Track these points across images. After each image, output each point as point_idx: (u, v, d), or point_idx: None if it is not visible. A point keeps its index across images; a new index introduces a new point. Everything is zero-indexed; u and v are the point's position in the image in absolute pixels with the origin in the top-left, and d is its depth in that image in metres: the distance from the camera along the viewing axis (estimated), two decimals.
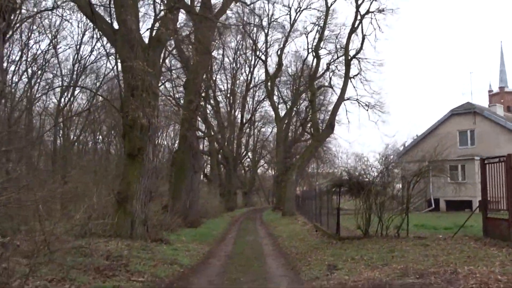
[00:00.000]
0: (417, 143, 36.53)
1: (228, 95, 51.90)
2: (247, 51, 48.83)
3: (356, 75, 31.07)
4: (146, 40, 15.01)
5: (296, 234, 18.37)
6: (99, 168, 23.53)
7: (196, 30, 18.53)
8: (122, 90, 14.02)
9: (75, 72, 37.82)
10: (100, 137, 44.49)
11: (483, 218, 11.91)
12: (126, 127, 13.97)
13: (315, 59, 33.62)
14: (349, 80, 30.54)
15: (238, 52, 48.86)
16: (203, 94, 31.03)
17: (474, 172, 33.47)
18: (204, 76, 34.14)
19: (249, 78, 51.10)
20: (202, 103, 42.64)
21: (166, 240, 14.06)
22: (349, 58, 30.14)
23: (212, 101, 46.96)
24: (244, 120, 54.98)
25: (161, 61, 17.11)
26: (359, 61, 30.49)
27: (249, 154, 70.14)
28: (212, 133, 42.75)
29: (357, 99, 31.18)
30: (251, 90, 53.86)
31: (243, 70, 52.21)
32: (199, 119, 43.10)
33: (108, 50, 20.82)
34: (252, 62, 50.03)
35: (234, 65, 50.21)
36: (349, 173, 13.34)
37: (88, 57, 37.42)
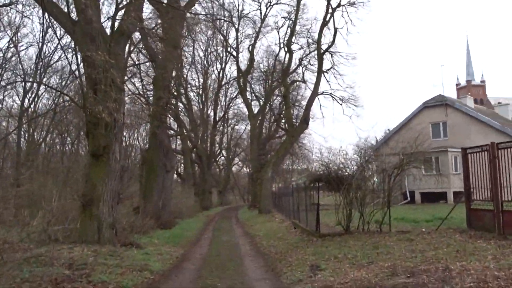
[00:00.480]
0: (391, 136, 36.55)
1: (200, 92, 50.96)
2: (218, 47, 48.04)
3: (329, 69, 30.69)
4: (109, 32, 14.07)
5: (274, 232, 17.75)
6: (62, 170, 22.32)
7: (163, 21, 17.64)
8: (83, 85, 13.02)
9: (38, 71, 36.24)
10: (69, 138, 42.91)
11: (466, 209, 11.55)
12: (89, 124, 13.01)
13: (287, 54, 33.12)
14: (322, 74, 30.13)
15: (209, 48, 48.02)
16: (173, 91, 30.10)
17: (448, 164, 33.77)
18: (174, 73, 33.23)
19: (221, 75, 50.31)
20: (174, 100, 41.64)
21: (137, 244, 13.19)
22: (322, 52, 29.72)
23: (183, 99, 45.93)
24: (217, 118, 54.17)
25: (126, 54, 16.14)
26: (331, 55, 30.13)
27: (223, 152, 69.33)
28: (185, 131, 41.68)
29: (330, 94, 30.83)
30: (224, 87, 53.06)
31: (214, 67, 51.41)
32: (171, 117, 42.03)
33: (68, 44, 19.69)
34: (224, 59, 49.25)
35: (205, 62, 49.32)
36: (328, 167, 12.78)
37: (51, 55, 35.87)
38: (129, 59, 16.98)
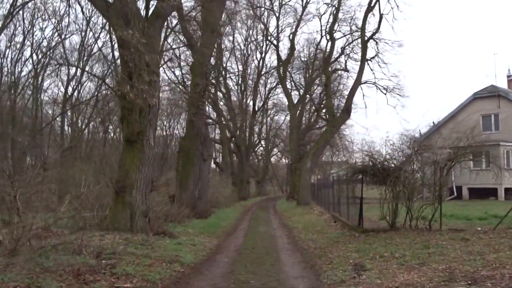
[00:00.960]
0: (437, 129, 34.63)
1: (240, 81, 50.45)
2: (258, 36, 47.25)
3: (373, 57, 29.27)
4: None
5: (313, 225, 16.97)
6: (98, 156, 22.35)
7: (202, 5, 17.09)
8: (117, 68, 12.64)
9: (81, 59, 36.79)
10: (111, 126, 43.53)
11: None
12: (123, 110, 12.65)
13: (329, 42, 31.88)
14: (366, 63, 28.78)
15: (249, 38, 47.28)
16: (212, 78, 29.58)
17: (500, 158, 31.67)
18: (213, 60, 32.76)
19: (260, 64, 49.45)
20: (212, 89, 41.32)
21: (170, 233, 12.79)
22: (366, 39, 28.36)
23: (222, 88, 45.57)
24: (257, 108, 53.45)
25: (162, 38, 15.75)
26: (376, 42, 28.69)
27: (262, 142, 68.77)
28: (223, 120, 41.33)
29: (374, 83, 29.46)
30: (263, 77, 52.26)
31: (254, 57, 50.60)
32: (209, 105, 41.74)
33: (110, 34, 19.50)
34: (264, 48, 48.36)
35: (245, 51, 48.67)
36: (373, 158, 11.84)
37: (94, 44, 36.27)
38: (166, 43, 16.51)
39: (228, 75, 47.12)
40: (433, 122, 38.68)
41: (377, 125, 42.66)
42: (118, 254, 8.67)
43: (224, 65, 45.36)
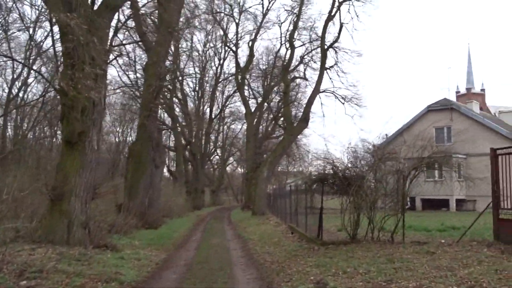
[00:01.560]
0: (391, 140, 34.99)
1: (197, 88, 49.33)
2: (217, 42, 46.45)
3: (333, 66, 29.15)
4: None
5: (269, 236, 16.16)
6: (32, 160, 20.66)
7: (158, 0, 16.08)
8: (57, 60, 11.41)
9: (28, 58, 34.48)
10: (59, 131, 41.16)
11: (494, 219, 9.99)
12: (64, 107, 11.40)
13: (288, 50, 31.59)
14: (325, 71, 28.59)
15: (208, 44, 46.35)
16: (167, 81, 28.32)
17: (450, 170, 32.23)
18: (170, 62, 31.60)
19: (219, 70, 48.60)
20: (168, 93, 39.97)
21: (113, 246, 11.57)
22: (326, 47, 28.19)
23: (179, 94, 44.28)
24: (213, 115, 52.46)
25: (112, 33, 14.63)
26: (336, 51, 28.58)
27: (218, 151, 67.70)
28: (178, 126, 40.02)
29: (333, 92, 29.27)
30: (221, 84, 51.42)
31: (212, 63, 49.66)
32: (164, 111, 40.34)
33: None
34: (222, 55, 47.61)
35: (203, 57, 47.66)
36: (334, 166, 11.20)
37: (43, 41, 34.09)
38: (116, 39, 15.34)
39: (184, 80, 45.92)
40: (386, 135, 38.99)
41: (335, 134, 42.67)
42: (46, 272, 7.47)
43: (182, 69, 44.27)
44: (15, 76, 35.53)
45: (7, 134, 37.82)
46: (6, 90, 35.83)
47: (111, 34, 14.97)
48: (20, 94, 35.92)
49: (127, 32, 19.02)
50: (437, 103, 35.84)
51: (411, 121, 36.09)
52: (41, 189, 11.30)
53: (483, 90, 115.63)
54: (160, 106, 35.52)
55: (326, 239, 11.56)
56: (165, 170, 53.50)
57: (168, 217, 27.14)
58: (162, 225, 21.15)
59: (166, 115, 43.22)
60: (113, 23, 15.42)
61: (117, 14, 14.73)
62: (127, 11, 16.47)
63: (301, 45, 33.19)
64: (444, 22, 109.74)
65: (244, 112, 46.43)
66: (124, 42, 18.37)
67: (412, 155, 11.45)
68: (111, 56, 15.19)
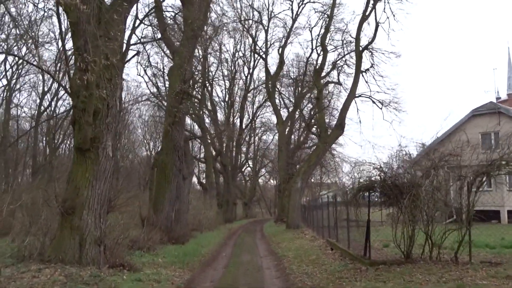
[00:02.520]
0: (433, 148, 32.64)
1: (226, 98, 48.32)
2: (246, 51, 45.44)
3: (368, 69, 27.42)
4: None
5: (306, 252, 14.54)
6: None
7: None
8: (67, 59, 10.35)
9: (57, 71, 34.36)
10: None
11: None
12: (75, 110, 10.28)
13: (321, 54, 30.04)
14: (361, 75, 26.87)
15: (237, 53, 45.35)
16: (195, 87, 27.40)
17: (502, 179, 29.66)
18: (197, 68, 30.69)
19: (248, 80, 47.45)
20: (197, 104, 39.10)
21: (131, 265, 10.28)
22: (361, 49, 26.51)
23: (209, 105, 43.39)
24: (244, 126, 51.25)
25: (130, 30, 13.66)
26: (371, 53, 26.87)
27: (249, 162, 66.42)
28: (208, 137, 38.98)
29: (370, 96, 27.47)
30: (251, 94, 50.28)
31: (242, 74, 48.53)
32: (193, 121, 39.37)
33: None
34: (252, 64, 46.47)
35: (232, 67, 46.69)
36: (383, 172, 9.57)
37: (72, 55, 33.80)
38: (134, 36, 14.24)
39: (214, 90, 45.08)
40: (423, 144, 36.55)
41: (372, 142, 39.89)
42: None
43: (211, 78, 43.46)
44: (45, 89, 35.60)
45: (39, 147, 37.86)
46: (38, 102, 35.89)
47: (128, 32, 13.95)
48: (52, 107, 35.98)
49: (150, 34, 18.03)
50: (482, 106, 33.28)
51: (454, 127, 33.65)
52: (49, 202, 10.16)
53: None
54: (188, 115, 34.67)
55: (374, 258, 9.89)
56: (195, 181, 52.83)
57: (197, 231, 25.91)
58: (190, 239, 19.86)
59: (196, 126, 42.49)
60: (131, 21, 14.45)
61: (136, 10, 13.68)
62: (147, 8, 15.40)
63: (333, 50, 31.77)
64: (482, 24, 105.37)
65: (275, 122, 45.16)
66: (143, 40, 17.29)
67: (470, 161, 9.73)
68: (129, 56, 14.10)
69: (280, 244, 19.11)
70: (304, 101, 40.51)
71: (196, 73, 34.45)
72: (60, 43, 30.18)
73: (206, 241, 20.55)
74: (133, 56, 16.20)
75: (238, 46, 46.87)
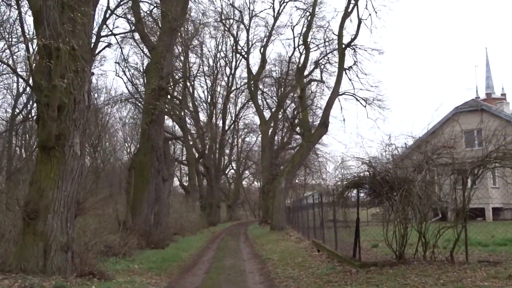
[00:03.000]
0: (416, 146, 32.36)
1: (208, 99, 47.46)
2: (227, 52, 44.69)
3: (351, 66, 26.97)
4: None
5: (292, 255, 13.86)
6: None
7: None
8: (29, 51, 9.53)
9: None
10: None
11: None
12: (38, 105, 9.42)
13: (303, 52, 29.46)
14: (344, 72, 26.41)
15: (218, 54, 44.49)
16: (177, 82, 26.64)
17: (486, 176, 29.49)
18: (179, 66, 29.93)
19: (230, 80, 46.67)
20: (178, 102, 38.18)
21: (102, 273, 9.43)
22: (343, 46, 26.04)
23: (191, 107, 42.49)
24: (226, 127, 50.46)
25: (101, 20, 12.78)
26: (354, 50, 26.41)
27: (233, 164, 65.59)
28: (189, 138, 38.10)
29: (353, 94, 26.99)
30: (233, 95, 49.52)
31: (224, 75, 47.67)
32: (174, 122, 38.45)
33: None
34: (234, 64, 45.71)
35: (214, 67, 45.86)
36: (372, 166, 8.95)
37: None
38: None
39: (195, 89, 44.20)
40: (405, 144, 36.21)
41: (358, 138, 38.65)
42: None
43: (192, 79, 42.60)
44: (20, 91, 34.27)
45: (16, 151, 36.44)
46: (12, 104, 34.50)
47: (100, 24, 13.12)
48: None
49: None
50: (465, 104, 33.18)
51: (438, 125, 33.43)
52: (8, 205, 9.27)
53: (503, 94, 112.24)
54: (169, 116, 33.74)
55: (364, 259, 9.26)
56: (177, 184, 51.74)
57: (179, 235, 25.07)
58: (171, 244, 19.02)
59: (177, 127, 41.55)
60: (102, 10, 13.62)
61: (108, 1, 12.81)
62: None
63: (315, 49, 31.16)
64: (460, 25, 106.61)
65: (258, 123, 44.40)
66: (115, 32, 16.43)
67: (459, 156, 9.21)
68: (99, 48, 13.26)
69: (264, 247, 18.42)
70: (287, 101, 39.96)
71: (176, 71, 33.64)
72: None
73: (188, 245, 19.75)
74: (104, 48, 15.30)
75: (220, 47, 46.06)
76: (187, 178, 44.81)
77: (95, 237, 11.78)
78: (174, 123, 40.01)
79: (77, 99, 9.54)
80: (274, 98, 42.73)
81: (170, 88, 19.31)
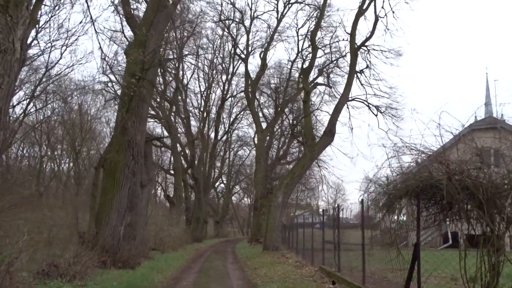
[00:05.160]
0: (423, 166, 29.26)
1: (201, 107, 44.23)
2: (224, 57, 41.67)
3: (363, 70, 24.16)
4: None
5: (296, 286, 10.60)
6: None
7: None
8: None
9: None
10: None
11: None
12: None
13: (307, 57, 26.72)
14: (356, 76, 23.56)
15: (216, 59, 41.40)
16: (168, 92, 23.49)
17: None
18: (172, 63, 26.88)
19: (226, 87, 43.55)
20: (167, 106, 34.99)
21: None
22: (356, 46, 23.23)
23: (181, 112, 39.31)
24: (219, 137, 47.26)
25: None
26: (368, 51, 23.59)
27: (223, 178, 62.20)
28: (179, 145, 34.84)
29: (365, 100, 24.04)
30: (228, 104, 46.41)
31: (220, 82, 44.51)
32: (162, 126, 35.20)
33: None
34: (231, 70, 42.59)
35: (209, 74, 42.79)
36: (446, 166, 5.85)
37: None
38: None
39: (188, 95, 41.08)
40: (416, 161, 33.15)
41: (365, 153, 33.73)
42: None
43: (186, 82, 39.59)
44: None
45: None
46: None
47: None
48: None
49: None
50: (481, 121, 30.44)
51: (450, 142, 30.37)
52: None
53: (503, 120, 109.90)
54: (152, 109, 30.49)
55: None
56: (160, 194, 47.98)
57: (159, 251, 21.70)
58: (145, 262, 15.71)
59: (161, 128, 38.36)
60: None
61: None
62: None
63: (321, 55, 28.22)
64: (462, 50, 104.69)
65: (252, 136, 41.17)
66: None
67: None
68: None
69: (258, 271, 15.08)
70: (285, 110, 36.91)
71: (169, 70, 30.60)
72: None
73: (166, 264, 16.37)
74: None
75: (217, 53, 42.92)
76: (173, 189, 41.28)
77: (31, 249, 8.47)
78: (163, 129, 36.82)
79: (2, 46, 6.40)
80: (272, 108, 39.83)
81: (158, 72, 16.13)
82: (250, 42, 37.11)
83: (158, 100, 33.43)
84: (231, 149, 58.31)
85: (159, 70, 28.12)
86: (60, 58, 26.61)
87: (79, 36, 23.71)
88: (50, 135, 34.88)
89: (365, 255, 8.38)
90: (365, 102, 24.04)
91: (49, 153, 36.90)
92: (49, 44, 22.84)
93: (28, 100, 28.13)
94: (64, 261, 9.86)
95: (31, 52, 22.54)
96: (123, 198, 14.35)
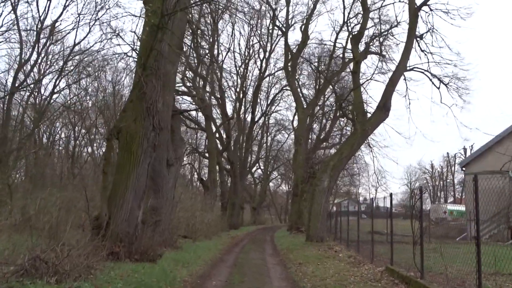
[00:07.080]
0: (491, 147, 25.37)
1: (237, 87, 41.56)
2: (262, 35, 38.71)
3: (423, 35, 20.68)
4: None
5: None
6: None
7: None
8: None
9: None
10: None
11: None
12: None
13: (360, 13, 23.32)
14: (415, 41, 20.17)
15: (253, 37, 38.50)
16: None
17: None
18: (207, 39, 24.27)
19: (264, 65, 40.63)
20: (202, 82, 32.55)
21: None
22: (416, 6, 19.82)
23: (216, 92, 36.83)
24: (256, 119, 44.51)
25: None
26: (431, 11, 20.09)
27: (260, 164, 59.62)
28: (213, 125, 32.30)
29: (427, 70, 20.55)
30: (266, 84, 43.54)
31: (257, 61, 41.57)
32: (195, 104, 32.77)
33: None
34: (269, 48, 39.58)
35: (246, 53, 40.03)
36: None
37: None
38: None
39: (223, 78, 38.45)
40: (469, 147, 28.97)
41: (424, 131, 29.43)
42: None
43: (220, 62, 36.99)
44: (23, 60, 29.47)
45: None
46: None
47: None
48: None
49: None
50: None
51: (505, 133, 25.96)
52: None
53: None
54: (189, 93, 28.04)
55: None
56: (195, 178, 45.79)
57: (189, 238, 19.43)
58: (170, 253, 13.31)
59: (200, 114, 36.04)
60: None
61: None
62: None
63: (371, 26, 24.71)
64: None
65: (290, 119, 37.98)
66: None
67: None
68: None
69: (304, 268, 12.33)
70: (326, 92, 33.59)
71: (202, 49, 27.95)
72: None
73: (194, 256, 13.92)
74: None
75: (255, 29, 39.95)
76: (207, 172, 39.10)
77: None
78: (197, 107, 34.41)
79: None
80: (312, 89, 36.60)
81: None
82: (290, 17, 34.16)
83: (192, 76, 31.13)
84: (268, 133, 55.69)
85: (192, 42, 25.91)
86: (89, 32, 24.85)
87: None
88: (84, 114, 33.27)
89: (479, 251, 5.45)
90: (425, 72, 20.59)
91: (82, 134, 35.42)
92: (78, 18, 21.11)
93: (57, 76, 26.57)
94: (52, 257, 7.43)
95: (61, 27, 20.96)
96: (141, 176, 11.87)
